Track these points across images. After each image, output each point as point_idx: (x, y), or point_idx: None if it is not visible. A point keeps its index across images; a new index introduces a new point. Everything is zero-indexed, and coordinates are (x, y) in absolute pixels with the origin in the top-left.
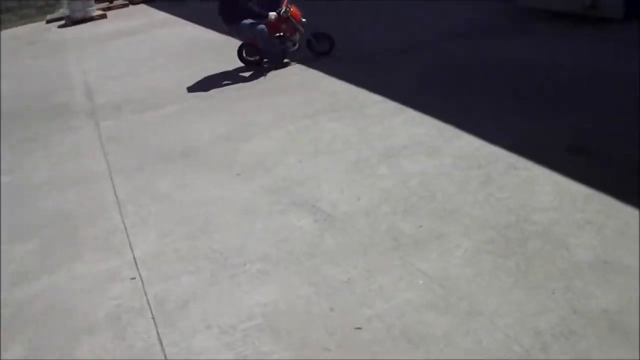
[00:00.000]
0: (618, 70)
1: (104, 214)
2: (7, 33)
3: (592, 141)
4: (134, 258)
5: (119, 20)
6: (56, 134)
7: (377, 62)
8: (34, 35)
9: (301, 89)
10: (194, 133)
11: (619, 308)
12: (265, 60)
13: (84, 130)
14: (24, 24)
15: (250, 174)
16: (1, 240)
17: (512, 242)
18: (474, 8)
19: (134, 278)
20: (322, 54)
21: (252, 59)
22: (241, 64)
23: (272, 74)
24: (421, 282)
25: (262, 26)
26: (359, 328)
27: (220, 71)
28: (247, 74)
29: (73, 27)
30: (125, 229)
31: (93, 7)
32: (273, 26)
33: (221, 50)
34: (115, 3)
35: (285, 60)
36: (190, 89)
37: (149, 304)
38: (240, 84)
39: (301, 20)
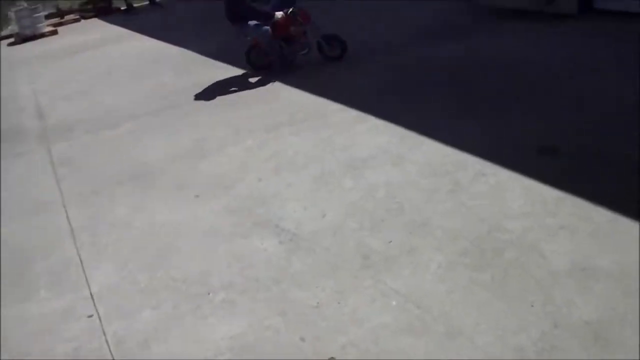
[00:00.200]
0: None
1: (57, 246)
2: None
3: (562, 140)
4: (91, 294)
5: (71, 35)
6: (4, 160)
7: (336, 68)
8: None
9: (260, 101)
10: (150, 151)
11: (602, 317)
12: (274, 64)
13: (34, 155)
14: None
15: (209, 194)
16: None
17: (486, 253)
18: (433, 7)
19: (91, 316)
20: (333, 58)
21: (260, 64)
22: (203, 76)
23: (230, 84)
24: (394, 302)
25: (267, 27)
26: (333, 358)
27: (177, 86)
28: (201, 89)
29: (23, 45)
30: (81, 261)
31: (43, 23)
32: (280, 27)
33: (177, 63)
34: (66, 18)
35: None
36: (146, 106)
37: (107, 344)
38: (198, 99)
39: (311, 22)
